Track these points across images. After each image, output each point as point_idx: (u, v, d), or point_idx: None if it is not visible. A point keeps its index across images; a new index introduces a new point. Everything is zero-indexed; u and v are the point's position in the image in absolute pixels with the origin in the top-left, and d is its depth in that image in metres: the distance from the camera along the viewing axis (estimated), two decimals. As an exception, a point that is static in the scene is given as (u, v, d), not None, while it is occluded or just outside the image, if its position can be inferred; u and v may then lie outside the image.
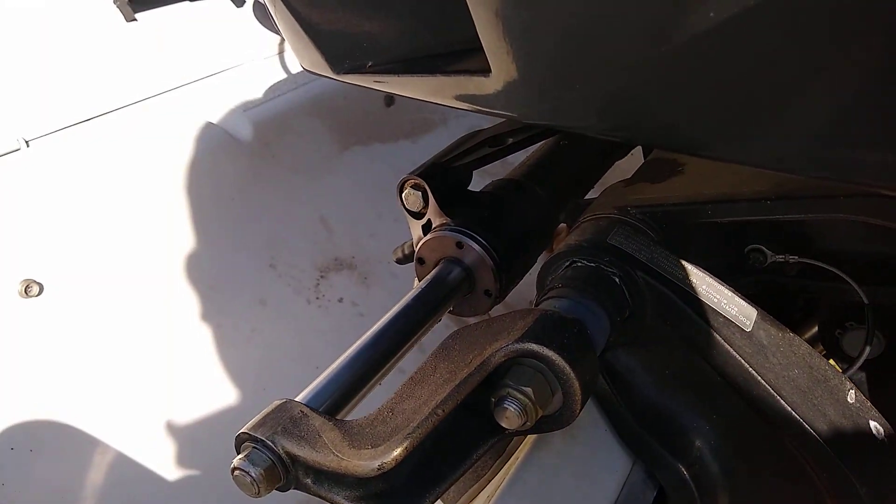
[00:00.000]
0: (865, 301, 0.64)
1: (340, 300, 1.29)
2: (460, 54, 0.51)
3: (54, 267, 0.97)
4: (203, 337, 1.08)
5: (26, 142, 1.12)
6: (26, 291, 0.94)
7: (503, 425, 0.52)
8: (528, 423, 0.52)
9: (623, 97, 0.44)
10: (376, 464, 0.46)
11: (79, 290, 0.99)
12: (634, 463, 0.65)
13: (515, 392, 0.51)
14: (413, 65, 0.57)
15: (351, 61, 0.61)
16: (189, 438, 0.89)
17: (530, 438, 0.64)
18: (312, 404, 0.55)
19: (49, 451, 0.88)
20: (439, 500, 0.70)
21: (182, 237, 1.17)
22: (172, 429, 0.93)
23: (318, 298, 1.28)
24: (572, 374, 0.52)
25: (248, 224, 1.25)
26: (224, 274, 1.18)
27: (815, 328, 0.79)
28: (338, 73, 0.61)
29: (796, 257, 0.66)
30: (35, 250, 0.97)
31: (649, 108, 0.45)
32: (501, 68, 0.46)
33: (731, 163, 0.56)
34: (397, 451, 0.46)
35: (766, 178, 0.64)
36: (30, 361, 0.90)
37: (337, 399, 0.56)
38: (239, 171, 1.29)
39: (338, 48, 0.61)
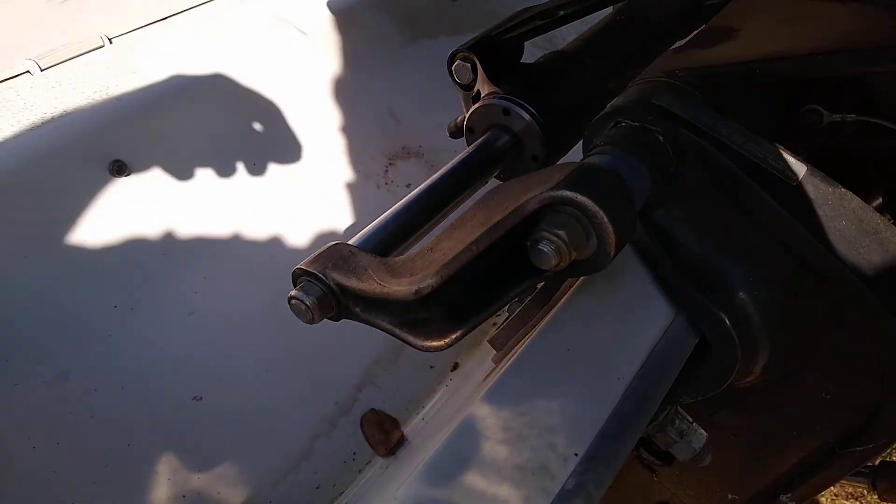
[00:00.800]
0: (923, 155, 0.62)
1: (408, 185, 1.33)
2: None
3: (139, 151, 1.05)
4: (276, 215, 1.16)
5: (109, 39, 1.19)
6: (118, 171, 1.03)
7: (538, 266, 0.55)
8: (563, 265, 0.55)
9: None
10: (414, 289, 0.51)
11: (161, 171, 1.08)
12: (677, 314, 0.67)
13: (549, 234, 0.54)
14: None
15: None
16: (272, 288, 0.98)
17: (573, 288, 0.67)
18: (362, 248, 0.60)
19: (146, 309, 0.99)
20: (490, 345, 0.76)
21: (259, 130, 1.23)
22: (256, 279, 1.04)
23: (386, 184, 1.33)
24: (605, 219, 0.54)
25: (318, 115, 1.29)
26: (297, 157, 1.24)
27: (880, 199, 0.77)
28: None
29: (854, 115, 0.65)
30: (122, 134, 1.05)
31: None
32: None
33: None
34: (433, 280, 0.51)
35: (821, 38, 0.63)
36: (122, 230, 1.00)
37: (384, 244, 0.61)
38: (308, 64, 1.33)
39: None
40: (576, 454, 0.54)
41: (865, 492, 2.01)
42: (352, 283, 0.54)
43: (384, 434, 1.02)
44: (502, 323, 0.75)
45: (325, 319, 0.57)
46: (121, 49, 1.19)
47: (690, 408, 0.74)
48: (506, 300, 0.57)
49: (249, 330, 1.02)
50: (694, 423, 0.72)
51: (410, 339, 0.54)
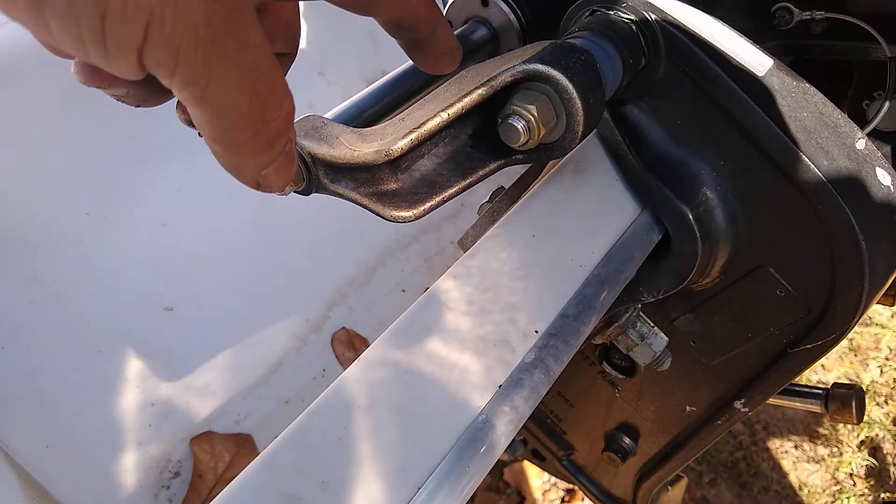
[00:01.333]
0: (888, 54, 0.63)
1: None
2: None
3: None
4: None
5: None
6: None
7: (507, 143, 0.56)
8: (532, 142, 0.55)
9: None
10: (384, 151, 0.51)
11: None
12: (643, 210, 0.68)
13: (520, 109, 0.54)
14: None
15: None
16: (249, 202, 0.97)
17: (541, 181, 0.68)
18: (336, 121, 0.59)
19: (118, 217, 0.98)
20: (459, 247, 0.76)
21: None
22: (232, 193, 1.03)
23: (364, 111, 1.32)
24: (575, 94, 0.54)
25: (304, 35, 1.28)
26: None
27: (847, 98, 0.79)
28: None
29: (823, 13, 0.65)
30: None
31: None
32: None
33: None
34: (402, 142, 0.51)
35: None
36: (97, 136, 0.99)
37: (357, 122, 0.61)
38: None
39: None
40: (536, 331, 0.55)
41: (826, 456, 2.09)
42: (322, 150, 0.54)
43: (354, 352, 1.03)
44: (473, 224, 0.75)
45: (293, 192, 0.57)
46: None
47: (651, 314, 0.75)
48: (475, 179, 0.58)
49: (223, 244, 1.02)
50: (655, 327, 0.73)
51: (379, 208, 0.54)
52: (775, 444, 2.20)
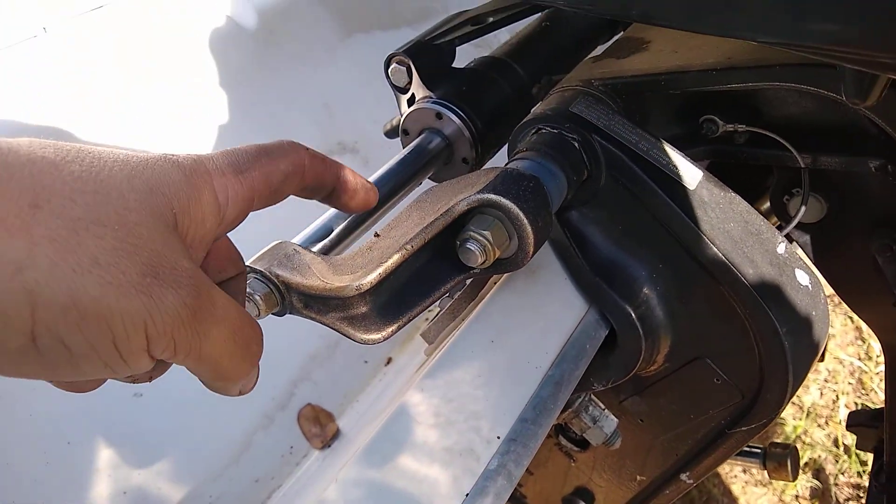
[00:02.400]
0: (801, 165, 0.71)
1: (344, 182, 1.37)
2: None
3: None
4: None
5: (44, 29, 1.18)
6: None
7: (466, 263, 0.61)
8: (487, 262, 0.61)
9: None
10: (355, 285, 0.55)
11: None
12: (590, 307, 0.74)
13: (476, 234, 0.60)
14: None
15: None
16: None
17: (498, 284, 0.73)
18: (304, 244, 0.64)
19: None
20: (422, 339, 0.81)
21: (190, 120, 1.24)
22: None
23: (322, 180, 1.36)
24: (525, 221, 0.60)
25: (253, 108, 1.31)
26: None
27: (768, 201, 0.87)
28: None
29: (744, 126, 0.73)
30: (53, 127, 1.05)
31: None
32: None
33: (685, 30, 0.62)
34: (372, 277, 0.56)
35: (719, 53, 0.70)
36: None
37: (325, 243, 0.65)
38: (244, 57, 1.34)
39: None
40: (498, 437, 0.60)
41: (774, 482, 2.18)
42: (296, 279, 0.58)
43: (320, 427, 1.06)
44: (433, 317, 0.80)
45: (270, 315, 0.61)
46: (57, 38, 1.18)
47: (602, 396, 0.81)
48: (438, 295, 0.62)
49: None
50: (605, 410, 0.79)
51: (351, 332, 0.58)
52: (725, 469, 2.28)
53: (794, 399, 2.53)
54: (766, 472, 0.98)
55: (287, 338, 1.04)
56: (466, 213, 0.61)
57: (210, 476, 0.97)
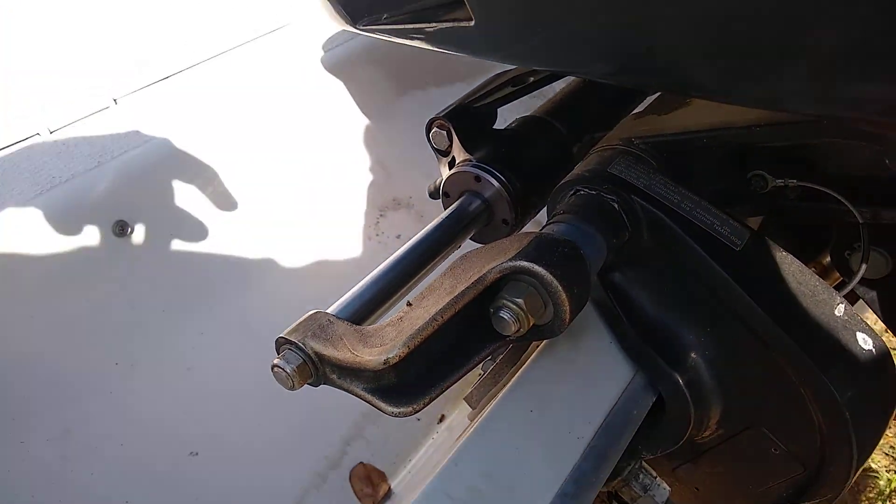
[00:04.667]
0: (859, 220, 0.67)
1: (398, 236, 1.39)
2: (452, 5, 0.57)
3: (141, 211, 1.11)
4: (272, 270, 1.21)
5: (115, 100, 1.26)
6: (121, 231, 1.09)
7: (500, 332, 0.60)
8: (522, 330, 0.59)
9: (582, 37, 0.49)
10: (383, 358, 0.55)
11: (164, 231, 1.13)
12: (636, 373, 0.71)
13: (509, 303, 0.59)
14: (419, 16, 0.63)
15: (368, 15, 0.68)
16: (266, 343, 1.02)
17: (539, 347, 0.71)
18: (340, 315, 0.64)
19: (145, 365, 1.03)
20: (466, 403, 0.80)
21: (260, 182, 1.29)
22: (251, 334, 1.08)
23: (377, 235, 1.38)
24: (559, 288, 0.58)
25: (312, 169, 1.35)
26: (291, 215, 1.29)
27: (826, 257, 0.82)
28: (356, 25, 0.69)
29: (795, 181, 0.70)
30: (126, 195, 1.11)
31: (619, 49, 0.50)
32: (480, 17, 0.52)
33: (728, 103, 0.60)
34: (400, 350, 0.55)
35: (757, 110, 0.68)
36: (123, 288, 1.06)
37: (361, 311, 0.66)
38: (301, 121, 1.39)
39: (357, 3, 0.69)
40: (537, 513, 0.58)
41: None
42: (328, 351, 0.58)
43: (372, 487, 1.05)
44: (477, 381, 0.79)
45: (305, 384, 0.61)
46: (126, 109, 1.26)
47: (654, 462, 0.77)
48: (472, 365, 0.62)
49: (244, 385, 1.06)
50: (657, 478, 0.75)
51: (381, 405, 0.58)
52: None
53: (889, 450, 2.35)
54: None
55: (339, 394, 1.04)
56: (499, 279, 0.60)
57: (263, 537, 0.98)
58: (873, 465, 2.27)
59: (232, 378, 1.07)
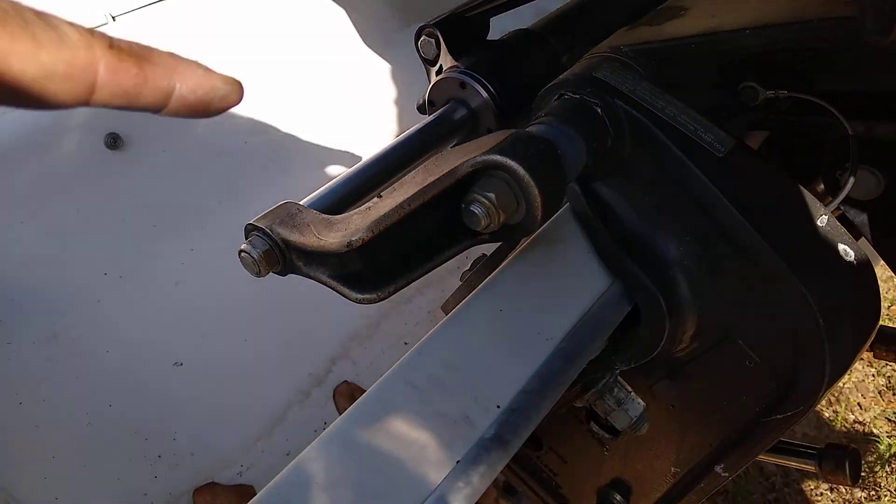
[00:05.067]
0: (849, 132, 0.65)
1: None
2: None
3: (134, 125, 1.11)
4: (265, 191, 1.21)
5: (112, 17, 1.25)
6: (112, 143, 1.08)
7: (470, 227, 0.59)
8: (493, 226, 0.59)
9: None
10: (346, 241, 0.54)
11: (157, 146, 1.13)
12: (612, 283, 0.70)
13: (480, 197, 0.58)
14: None
15: None
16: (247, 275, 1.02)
17: (515, 253, 0.71)
18: (313, 206, 0.64)
19: (134, 277, 1.04)
20: (442, 311, 0.80)
21: (252, 108, 1.28)
22: (233, 265, 1.08)
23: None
24: (531, 183, 0.57)
25: (317, 95, 1.34)
26: (288, 140, 1.29)
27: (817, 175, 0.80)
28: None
29: (786, 92, 0.68)
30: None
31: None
32: None
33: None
34: (364, 234, 0.55)
35: (756, 14, 0.65)
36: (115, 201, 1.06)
37: (335, 205, 0.65)
38: (304, 50, 1.38)
39: None
40: (497, 406, 0.58)
41: (864, 499, 2.03)
42: (294, 237, 0.58)
43: (356, 404, 1.06)
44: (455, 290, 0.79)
45: (273, 273, 0.61)
46: (123, 27, 1.24)
47: (631, 379, 0.77)
48: (442, 259, 0.61)
49: (232, 301, 1.07)
50: (632, 393, 0.75)
51: (345, 290, 0.58)
52: (809, 486, 2.14)
53: (890, 415, 2.34)
54: (822, 475, 0.90)
55: (327, 315, 1.05)
56: (472, 174, 0.59)
57: (242, 447, 0.99)
58: (874, 430, 2.27)
59: (220, 294, 1.08)
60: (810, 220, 0.62)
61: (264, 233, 0.59)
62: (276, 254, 0.59)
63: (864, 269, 0.63)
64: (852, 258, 0.62)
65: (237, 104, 0.41)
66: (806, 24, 0.59)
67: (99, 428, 0.92)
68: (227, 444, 0.97)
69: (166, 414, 0.96)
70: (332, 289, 0.58)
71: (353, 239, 0.54)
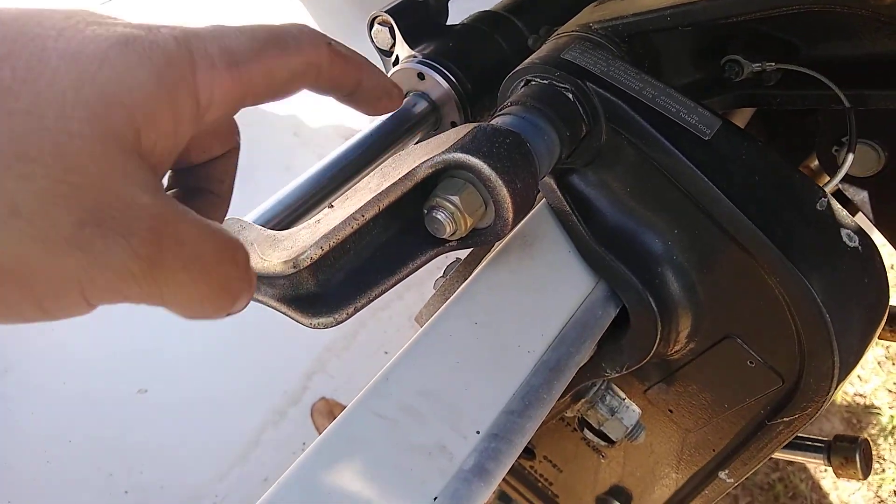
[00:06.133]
0: (845, 104, 0.59)
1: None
2: None
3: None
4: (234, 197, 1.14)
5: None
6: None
7: (434, 235, 0.53)
8: (460, 233, 0.53)
9: None
10: (292, 262, 0.48)
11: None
12: (597, 284, 0.64)
13: (443, 200, 0.52)
14: None
15: None
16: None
17: (489, 258, 0.65)
18: (258, 222, 0.57)
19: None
20: (416, 323, 0.74)
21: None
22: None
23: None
24: (499, 182, 0.51)
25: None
26: (249, 141, 1.22)
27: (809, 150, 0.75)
28: None
29: (773, 64, 0.62)
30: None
31: None
32: None
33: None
34: (311, 251, 0.48)
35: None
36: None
37: (284, 219, 0.59)
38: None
39: None
40: (477, 432, 0.52)
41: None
42: (235, 259, 0.52)
43: (336, 421, 1.00)
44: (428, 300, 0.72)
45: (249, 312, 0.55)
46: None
47: (624, 384, 0.71)
48: (406, 273, 0.55)
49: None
50: (626, 400, 0.69)
51: (297, 315, 0.52)
52: (813, 463, 2.11)
53: (892, 387, 2.31)
54: (831, 469, 0.85)
55: (300, 327, 0.98)
56: (433, 176, 0.53)
57: (216, 475, 0.93)
58: (875, 402, 2.24)
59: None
60: (809, 205, 0.56)
61: (204, 255, 0.52)
62: (219, 278, 0.53)
63: (869, 254, 0.57)
64: (856, 244, 0.57)
65: (397, 108, 0.50)
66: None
67: (59, 465, 0.85)
68: (200, 474, 0.91)
69: (132, 445, 0.90)
70: (283, 314, 0.52)
71: (301, 257, 0.48)
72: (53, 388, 0.89)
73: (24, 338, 0.90)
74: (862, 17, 0.53)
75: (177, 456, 0.91)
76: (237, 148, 0.47)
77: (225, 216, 0.50)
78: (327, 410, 1.00)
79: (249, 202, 0.64)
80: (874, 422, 2.17)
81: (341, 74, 0.43)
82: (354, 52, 0.44)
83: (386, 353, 1.11)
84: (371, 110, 0.49)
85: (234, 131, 0.46)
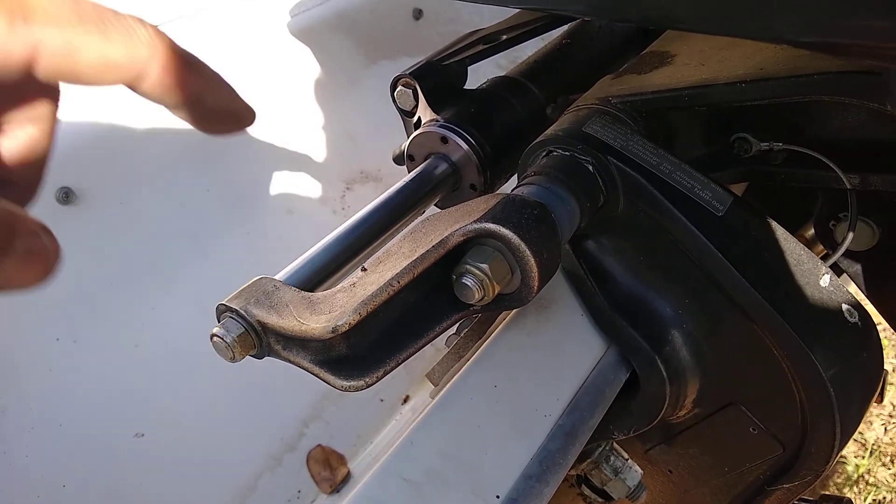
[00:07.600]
0: (848, 186, 0.63)
1: (365, 212, 1.33)
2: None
3: (89, 177, 1.03)
4: (230, 242, 1.14)
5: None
6: (65, 198, 1.01)
7: (462, 300, 0.55)
8: (487, 299, 0.54)
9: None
10: (331, 326, 0.50)
11: (111, 199, 1.06)
12: (609, 347, 0.67)
13: (472, 268, 0.54)
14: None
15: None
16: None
17: (506, 320, 0.66)
18: (289, 282, 0.58)
19: (89, 341, 0.96)
20: (428, 380, 0.75)
21: (214, 153, 1.22)
22: (205, 311, 1.01)
23: (343, 209, 1.32)
24: (528, 252, 0.54)
25: (275, 138, 1.29)
26: (251, 185, 1.23)
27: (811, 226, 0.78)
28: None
29: (781, 144, 0.65)
30: (72, 160, 1.04)
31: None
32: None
33: (716, 34, 0.55)
34: (350, 317, 0.50)
35: (750, 64, 0.63)
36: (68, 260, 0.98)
37: (313, 278, 0.60)
38: (265, 89, 1.32)
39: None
40: (497, 496, 0.53)
41: None
42: (272, 319, 0.53)
43: (330, 471, 1.00)
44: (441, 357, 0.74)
45: (249, 357, 0.56)
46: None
47: (626, 444, 0.73)
48: (433, 336, 0.56)
49: (196, 363, 1.00)
50: (629, 460, 0.71)
51: (330, 378, 0.53)
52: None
53: (857, 436, 2.36)
54: (819, 529, 0.87)
55: (297, 373, 0.99)
56: (463, 243, 0.55)
57: (212, 522, 0.93)
58: (842, 452, 2.29)
59: (183, 356, 1.01)
60: (815, 281, 0.59)
61: (239, 314, 0.53)
62: (253, 337, 0.54)
63: (868, 329, 0.61)
64: (856, 319, 0.60)
65: (244, 128, 0.44)
66: (806, 78, 0.57)
67: (53, 512, 0.84)
68: (195, 521, 0.91)
69: (128, 491, 0.89)
70: (315, 375, 0.53)
71: (339, 324, 0.50)
72: (49, 430, 0.88)
73: (20, 378, 0.89)
74: (869, 109, 0.57)
75: (172, 502, 0.90)
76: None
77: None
78: (323, 458, 1.00)
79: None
80: (839, 471, 2.21)
81: (175, 84, 0.38)
82: (202, 62, 0.39)
83: (382, 400, 1.12)
84: (210, 130, 0.43)
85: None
